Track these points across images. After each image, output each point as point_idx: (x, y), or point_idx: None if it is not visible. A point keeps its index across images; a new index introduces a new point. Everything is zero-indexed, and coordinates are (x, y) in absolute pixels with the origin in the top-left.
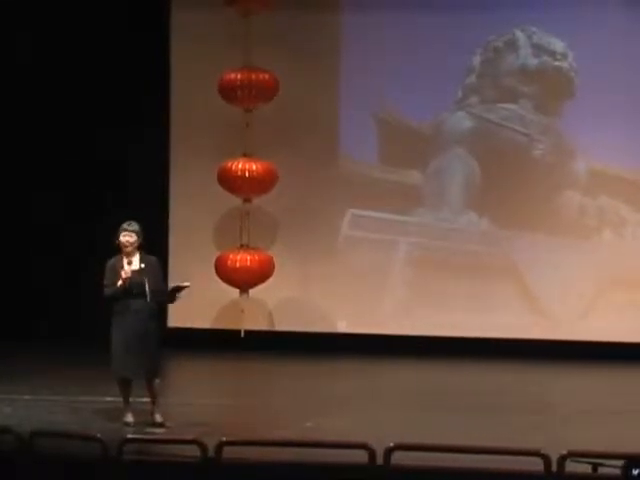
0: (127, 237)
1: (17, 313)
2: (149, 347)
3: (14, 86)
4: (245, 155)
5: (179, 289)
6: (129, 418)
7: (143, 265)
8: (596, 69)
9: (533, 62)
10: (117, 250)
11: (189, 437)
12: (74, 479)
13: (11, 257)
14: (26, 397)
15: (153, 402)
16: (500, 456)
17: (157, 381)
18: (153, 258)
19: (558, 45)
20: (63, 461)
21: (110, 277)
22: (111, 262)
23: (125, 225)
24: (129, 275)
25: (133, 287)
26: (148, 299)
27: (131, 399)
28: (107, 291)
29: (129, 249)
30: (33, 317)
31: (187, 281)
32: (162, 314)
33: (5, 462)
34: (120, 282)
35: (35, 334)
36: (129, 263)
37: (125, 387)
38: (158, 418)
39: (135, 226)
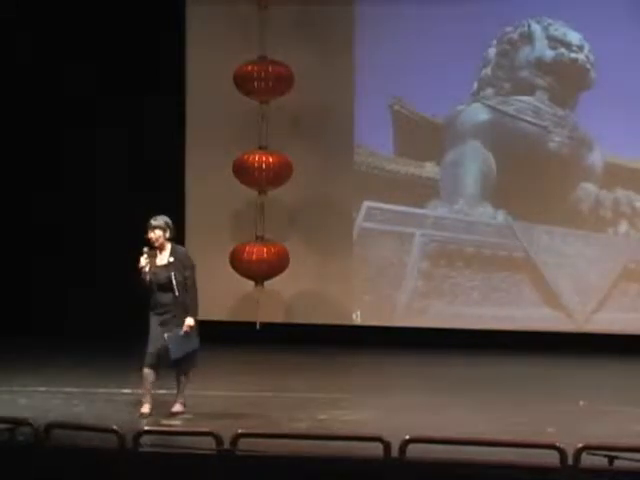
0: (151, 234)
1: (37, 309)
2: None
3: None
4: (261, 147)
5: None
6: (146, 409)
7: (172, 259)
8: (612, 61)
9: (549, 54)
10: None
11: (205, 429)
12: (90, 471)
13: (30, 255)
14: (42, 389)
15: (179, 392)
16: (516, 449)
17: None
18: (181, 250)
19: (574, 37)
20: (79, 453)
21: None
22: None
23: (151, 220)
24: (143, 265)
25: (157, 281)
26: (177, 293)
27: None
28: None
29: (156, 244)
30: (52, 313)
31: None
32: None
33: (22, 454)
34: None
35: (52, 330)
36: (153, 256)
37: (150, 377)
38: (178, 407)
39: (159, 221)
